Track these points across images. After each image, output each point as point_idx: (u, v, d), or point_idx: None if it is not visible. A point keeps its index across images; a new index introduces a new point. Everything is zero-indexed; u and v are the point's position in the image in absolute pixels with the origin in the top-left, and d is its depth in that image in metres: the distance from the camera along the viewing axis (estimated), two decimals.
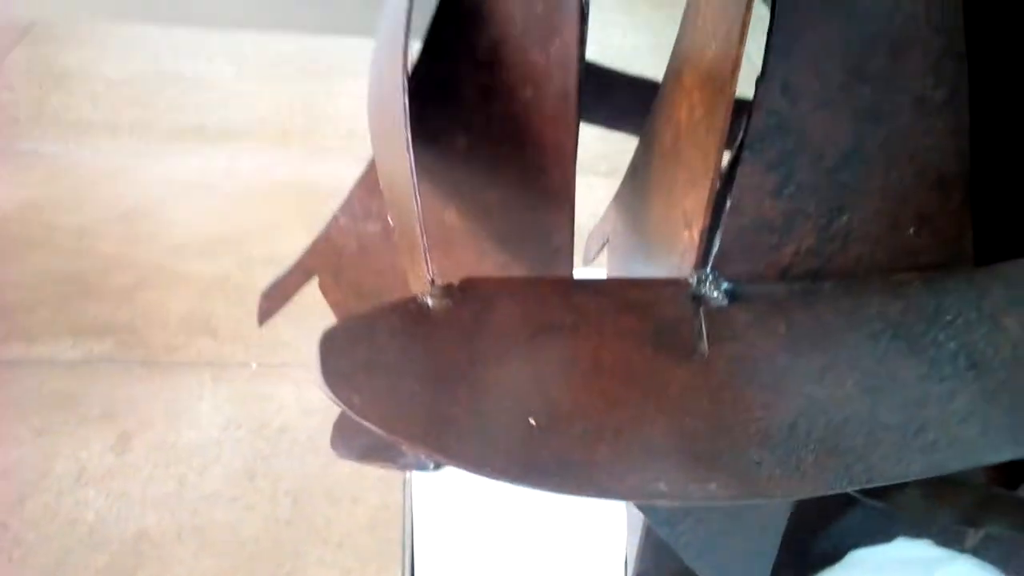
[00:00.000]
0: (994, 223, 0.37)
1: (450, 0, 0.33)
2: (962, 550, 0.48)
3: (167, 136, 2.07)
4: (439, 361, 0.28)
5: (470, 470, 0.24)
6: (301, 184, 1.94)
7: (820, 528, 0.45)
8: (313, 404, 1.45)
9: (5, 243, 1.72)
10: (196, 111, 2.17)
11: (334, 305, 0.43)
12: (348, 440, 0.47)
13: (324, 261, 0.42)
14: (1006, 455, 0.29)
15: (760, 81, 0.30)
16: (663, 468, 0.25)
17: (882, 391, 0.30)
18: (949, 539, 0.46)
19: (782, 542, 0.40)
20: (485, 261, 0.37)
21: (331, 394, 0.26)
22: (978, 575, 0.48)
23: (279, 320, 1.35)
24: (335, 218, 0.41)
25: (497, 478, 0.24)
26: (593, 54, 0.44)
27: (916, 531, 0.45)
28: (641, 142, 0.41)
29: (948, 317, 0.33)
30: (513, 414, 0.27)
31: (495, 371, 0.28)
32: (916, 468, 0.28)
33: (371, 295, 0.41)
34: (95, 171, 1.94)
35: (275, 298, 0.44)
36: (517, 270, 0.37)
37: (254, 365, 1.51)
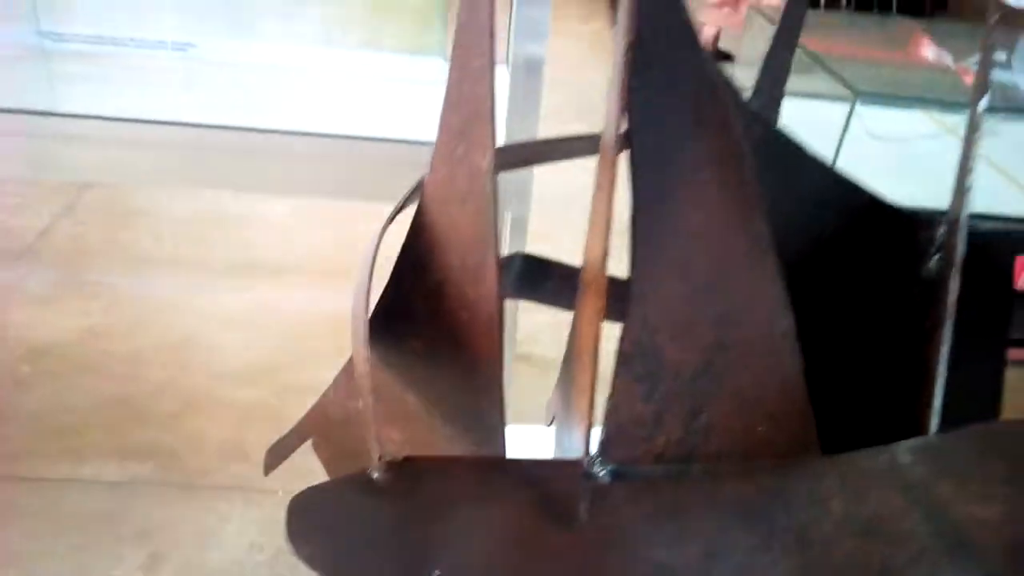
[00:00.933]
0: (836, 420, 0.46)
1: (407, 252, 0.44)
2: None
3: (220, 271, 2.25)
4: (378, 524, 0.37)
5: None
6: (339, 320, 2.08)
7: None
8: None
9: (65, 367, 1.87)
10: (249, 248, 2.35)
11: (325, 463, 0.53)
12: None
13: (317, 427, 0.52)
14: None
15: (626, 319, 0.40)
16: None
17: (719, 558, 0.39)
18: None
19: None
20: (436, 434, 0.47)
21: (292, 549, 0.35)
22: None
23: (305, 450, 1.46)
24: (326, 393, 0.52)
25: None
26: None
27: None
28: (568, 339, 0.51)
29: (786, 498, 0.41)
30: (428, 566, 0.36)
31: (419, 533, 0.38)
32: None
33: (353, 455, 0.51)
34: (152, 302, 2.11)
35: (277, 455, 0.54)
36: (460, 441, 0.47)
37: (280, 492, 1.60)
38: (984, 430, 0.45)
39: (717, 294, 0.40)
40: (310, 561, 0.35)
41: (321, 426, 0.52)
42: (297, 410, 1.86)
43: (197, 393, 1.84)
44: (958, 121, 1.78)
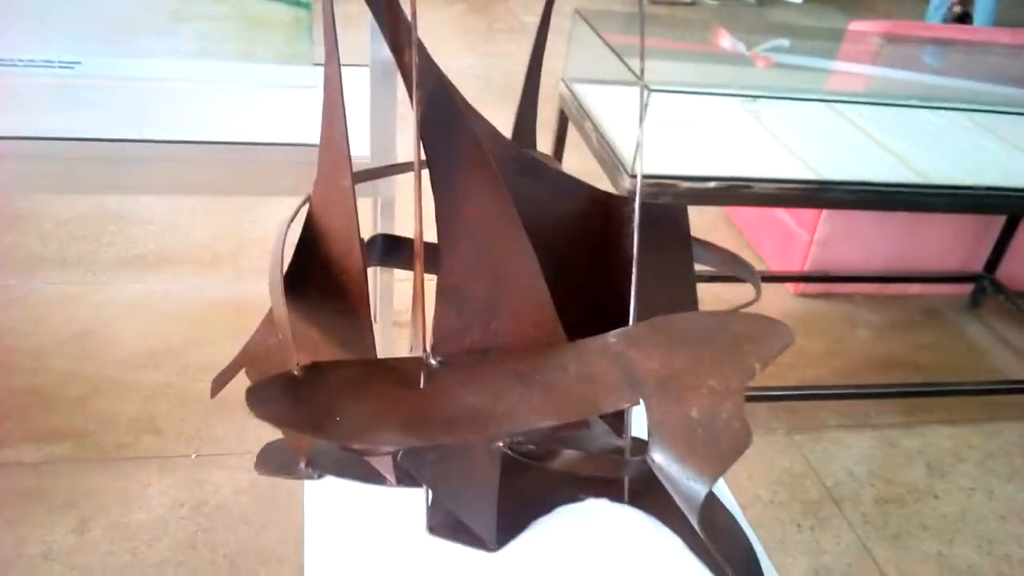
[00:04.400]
0: (576, 323, 0.75)
1: (304, 238, 0.70)
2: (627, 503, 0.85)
3: (111, 266, 2.39)
4: (299, 396, 0.64)
5: (310, 433, 0.60)
6: (229, 302, 2.28)
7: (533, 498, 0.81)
8: (243, 485, 1.75)
9: None
10: (136, 243, 2.50)
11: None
12: (264, 463, 0.83)
13: (248, 359, 0.77)
14: None
15: (438, 271, 0.68)
16: (388, 433, 0.62)
17: (501, 399, 0.67)
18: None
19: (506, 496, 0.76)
20: (332, 356, 0.74)
21: (253, 412, 0.61)
22: (637, 519, 0.84)
23: (214, 420, 1.72)
24: (254, 335, 0.77)
25: (312, 434, 0.59)
26: None
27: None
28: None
29: (543, 366, 0.70)
30: (328, 411, 0.63)
31: (323, 398, 0.64)
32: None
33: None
34: (48, 299, 2.24)
35: (220, 382, 0.79)
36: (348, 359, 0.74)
37: (193, 456, 1.81)
38: (659, 320, 0.75)
39: (492, 253, 0.68)
40: (263, 417, 0.61)
41: (252, 359, 0.77)
42: (201, 386, 2.07)
43: (103, 379, 2.00)
44: (743, 102, 2.13)
